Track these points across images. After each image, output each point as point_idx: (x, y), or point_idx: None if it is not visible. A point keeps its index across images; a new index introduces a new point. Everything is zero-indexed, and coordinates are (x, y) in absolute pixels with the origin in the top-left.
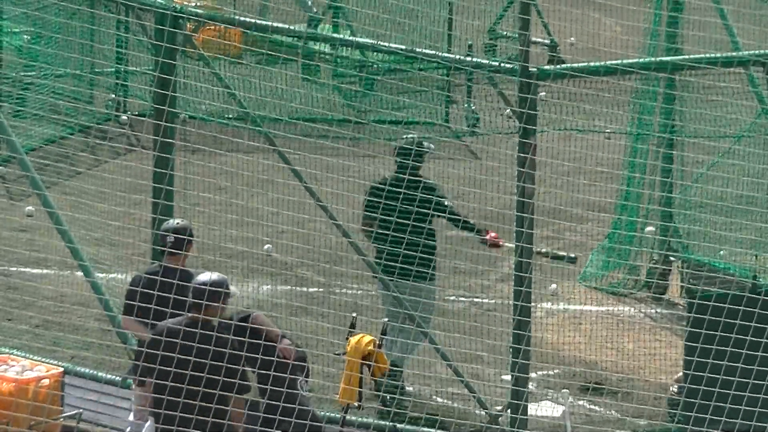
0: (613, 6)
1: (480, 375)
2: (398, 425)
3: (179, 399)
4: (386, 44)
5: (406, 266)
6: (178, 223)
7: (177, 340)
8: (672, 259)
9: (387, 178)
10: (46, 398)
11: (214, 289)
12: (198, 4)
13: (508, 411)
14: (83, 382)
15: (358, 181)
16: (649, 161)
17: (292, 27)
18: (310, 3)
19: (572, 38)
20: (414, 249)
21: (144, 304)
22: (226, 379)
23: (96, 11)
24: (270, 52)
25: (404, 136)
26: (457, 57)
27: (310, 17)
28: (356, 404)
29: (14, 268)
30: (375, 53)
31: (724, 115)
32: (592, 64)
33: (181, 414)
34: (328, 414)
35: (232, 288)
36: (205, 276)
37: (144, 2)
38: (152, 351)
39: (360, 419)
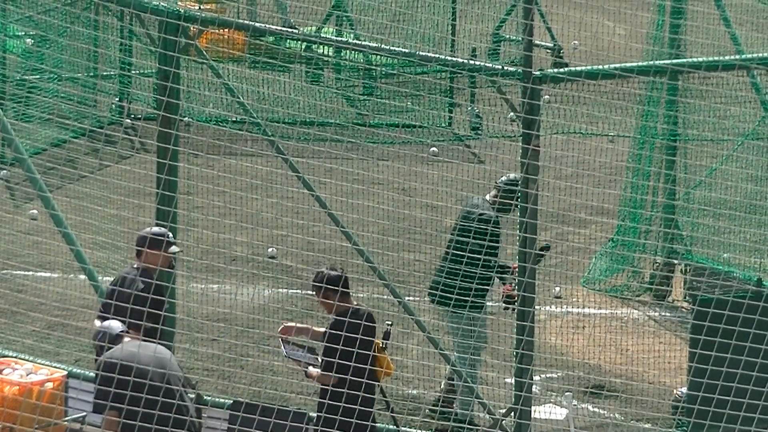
0: (616, 10)
1: (484, 378)
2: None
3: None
4: (389, 47)
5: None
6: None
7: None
8: (675, 262)
9: (477, 206)
10: (50, 401)
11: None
12: (202, 7)
13: (512, 414)
14: (87, 386)
15: (358, 187)
16: (652, 165)
17: (297, 30)
18: (287, 8)
19: (576, 41)
20: (481, 281)
21: (112, 303)
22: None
23: (99, 15)
24: (273, 58)
25: (507, 174)
26: (460, 60)
27: (286, 21)
28: None
29: (19, 271)
30: (378, 57)
31: (729, 115)
32: (595, 67)
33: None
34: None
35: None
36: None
37: (146, 6)
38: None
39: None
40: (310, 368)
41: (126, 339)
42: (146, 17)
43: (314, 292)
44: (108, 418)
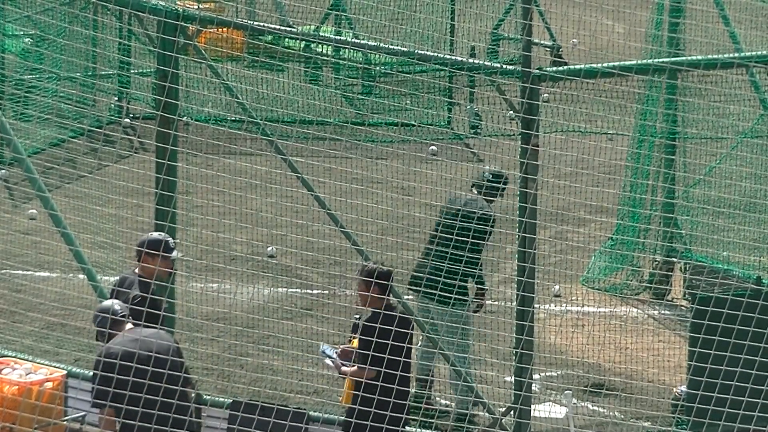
0: (614, 8)
1: (483, 377)
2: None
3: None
4: (388, 46)
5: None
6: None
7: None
8: (674, 260)
9: (459, 198)
10: (49, 401)
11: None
12: (200, 6)
13: (512, 413)
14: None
15: (357, 186)
16: (651, 163)
17: (296, 29)
18: (285, 7)
19: (574, 40)
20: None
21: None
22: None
23: (98, 15)
24: (272, 57)
25: (485, 169)
26: (459, 59)
27: (283, 21)
28: None
29: (18, 271)
30: (377, 56)
31: (728, 113)
32: (594, 66)
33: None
34: (332, 416)
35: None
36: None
37: (144, 5)
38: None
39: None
40: (344, 367)
41: (128, 325)
42: (145, 17)
43: (358, 285)
44: (107, 418)
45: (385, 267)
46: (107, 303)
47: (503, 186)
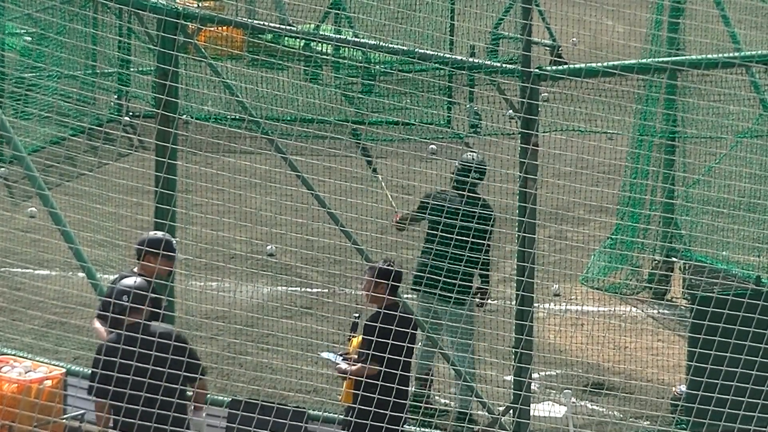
0: (615, 8)
1: (483, 376)
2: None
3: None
4: (387, 45)
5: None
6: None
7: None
8: (674, 260)
9: (444, 191)
10: (49, 399)
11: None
12: (200, 5)
13: (511, 412)
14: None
15: (357, 185)
16: (651, 163)
17: (295, 28)
18: (285, 5)
19: (575, 39)
20: (467, 270)
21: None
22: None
23: (98, 13)
24: (272, 56)
25: (465, 154)
26: (459, 58)
27: (283, 19)
28: None
29: (18, 269)
30: (377, 55)
31: (728, 113)
32: (594, 65)
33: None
34: (331, 414)
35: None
36: (128, 281)
37: (144, 3)
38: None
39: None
40: (343, 365)
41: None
42: (145, 15)
43: (366, 283)
44: (104, 415)
45: (393, 266)
46: (131, 282)
47: (481, 175)
